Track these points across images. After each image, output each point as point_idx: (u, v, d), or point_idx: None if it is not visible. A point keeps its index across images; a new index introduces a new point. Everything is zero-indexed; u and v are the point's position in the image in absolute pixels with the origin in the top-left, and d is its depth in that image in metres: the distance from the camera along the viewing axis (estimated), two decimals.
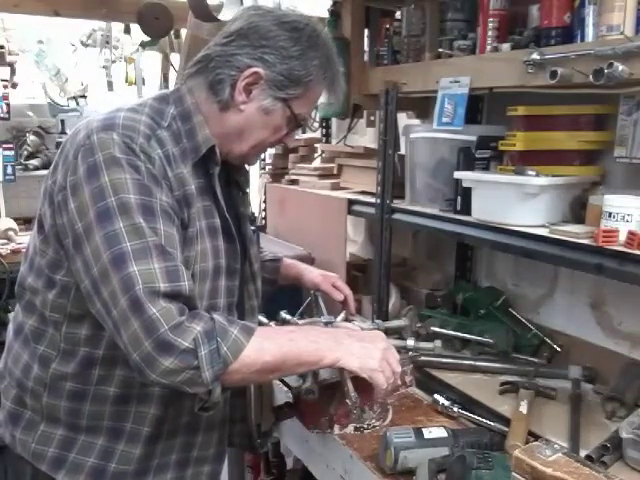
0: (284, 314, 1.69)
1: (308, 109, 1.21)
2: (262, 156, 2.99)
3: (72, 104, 3.77)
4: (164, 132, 1.07)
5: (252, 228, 1.35)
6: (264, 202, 2.69)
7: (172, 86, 2.40)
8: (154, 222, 0.99)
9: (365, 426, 1.41)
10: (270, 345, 1.02)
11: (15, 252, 2.55)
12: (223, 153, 1.16)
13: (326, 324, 1.43)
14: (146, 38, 2.85)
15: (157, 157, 1.03)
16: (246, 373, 0.99)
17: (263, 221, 2.72)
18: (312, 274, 1.59)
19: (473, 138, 1.58)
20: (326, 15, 2.02)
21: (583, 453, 1.20)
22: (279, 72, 1.10)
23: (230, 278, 1.17)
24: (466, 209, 1.52)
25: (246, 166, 1.34)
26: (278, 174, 2.53)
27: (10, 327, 1.20)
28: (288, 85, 1.11)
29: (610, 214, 1.23)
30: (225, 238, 1.16)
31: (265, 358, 1.00)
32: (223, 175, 1.19)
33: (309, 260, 2.09)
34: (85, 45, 3.61)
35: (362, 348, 1.10)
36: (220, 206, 1.15)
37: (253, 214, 1.62)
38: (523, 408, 1.36)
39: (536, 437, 1.24)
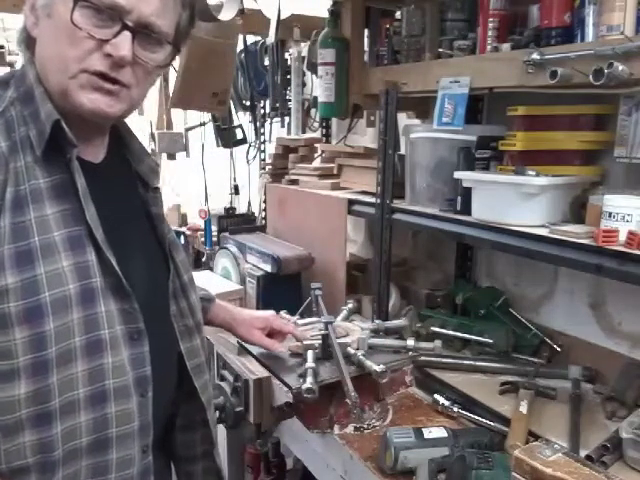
0: (284, 314, 1.69)
1: None
2: (262, 156, 3.01)
3: None
4: None
5: (174, 230, 1.17)
6: (264, 202, 2.70)
7: (172, 86, 2.40)
8: None
9: (365, 426, 1.41)
10: None
11: None
12: (67, 111, 0.88)
13: (326, 324, 1.43)
14: None
15: None
16: None
17: (263, 221, 2.72)
18: (243, 327, 1.41)
19: (473, 138, 1.58)
20: (326, 15, 2.02)
21: (583, 453, 1.20)
22: None
23: (124, 300, 0.92)
24: (466, 209, 1.52)
25: (152, 155, 1.11)
26: (278, 174, 2.53)
27: None
28: None
29: (610, 214, 1.23)
30: (99, 249, 0.89)
31: None
32: (114, 165, 1.00)
33: (309, 260, 2.09)
34: None
35: None
36: (89, 205, 0.89)
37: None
38: (523, 408, 1.36)
39: (536, 437, 1.24)
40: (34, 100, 0.88)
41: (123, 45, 0.85)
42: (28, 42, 0.92)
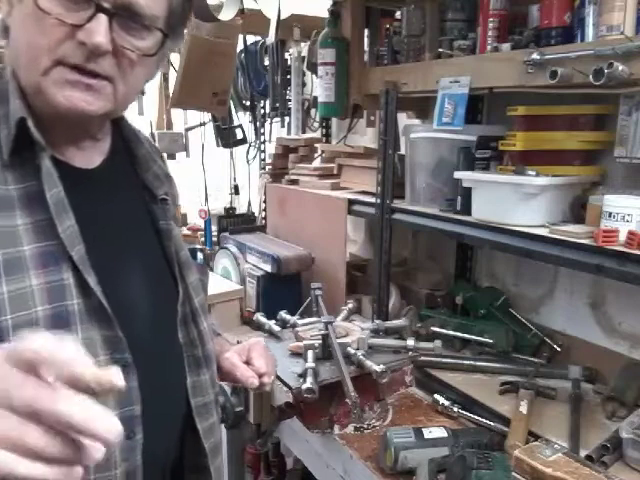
0: (284, 314, 1.70)
1: None
2: (262, 156, 3.01)
3: None
4: None
5: (189, 247, 1.02)
6: (264, 202, 2.70)
7: (172, 86, 2.39)
8: None
9: (365, 426, 1.41)
10: None
11: None
12: (43, 110, 0.78)
13: (326, 324, 1.43)
14: None
15: None
16: None
17: (263, 221, 2.72)
18: (224, 360, 1.09)
19: (473, 138, 1.58)
20: (326, 15, 2.02)
21: (583, 453, 1.20)
22: None
23: (107, 326, 0.79)
24: (466, 209, 1.52)
25: (159, 159, 1.00)
26: (278, 174, 2.53)
27: None
28: None
29: (610, 214, 1.23)
30: (74, 267, 0.77)
31: None
32: (115, 172, 0.90)
33: (309, 260, 2.09)
34: None
35: None
36: (65, 217, 0.77)
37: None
38: (523, 408, 1.36)
39: (536, 437, 1.24)
40: (7, 99, 0.78)
41: (98, 30, 0.73)
42: (7, 34, 0.81)
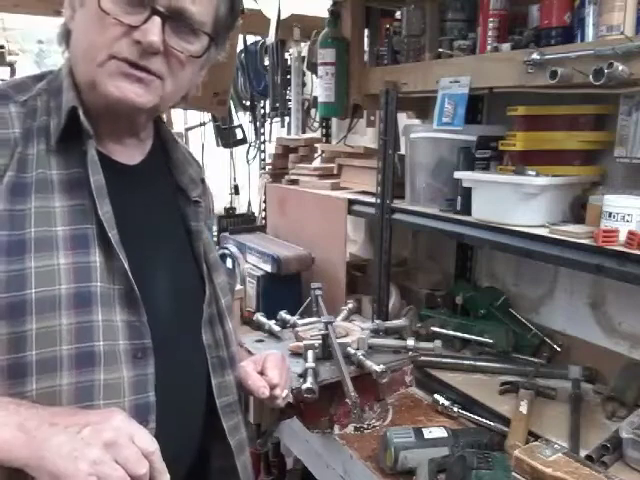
0: (284, 314, 1.70)
1: None
2: (262, 156, 3.01)
3: None
4: (11, 108, 0.82)
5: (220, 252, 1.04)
6: (264, 202, 2.70)
7: None
8: None
9: (365, 426, 1.41)
10: None
11: None
12: (94, 104, 0.84)
13: (326, 324, 1.43)
14: None
15: None
16: None
17: (263, 221, 2.72)
18: (239, 368, 1.05)
19: (473, 138, 1.58)
20: (326, 15, 2.02)
21: (583, 453, 1.20)
22: None
23: (131, 311, 0.82)
24: (466, 209, 1.52)
25: (195, 164, 1.05)
26: (278, 174, 2.53)
27: None
28: None
29: (610, 214, 1.23)
30: (107, 252, 0.81)
31: None
32: (153, 171, 0.95)
33: (309, 260, 2.10)
34: None
35: (71, 443, 0.68)
36: (104, 203, 0.82)
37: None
38: (523, 408, 1.36)
39: (536, 437, 1.24)
40: (61, 92, 0.85)
41: (152, 31, 0.79)
42: (67, 37, 0.88)
